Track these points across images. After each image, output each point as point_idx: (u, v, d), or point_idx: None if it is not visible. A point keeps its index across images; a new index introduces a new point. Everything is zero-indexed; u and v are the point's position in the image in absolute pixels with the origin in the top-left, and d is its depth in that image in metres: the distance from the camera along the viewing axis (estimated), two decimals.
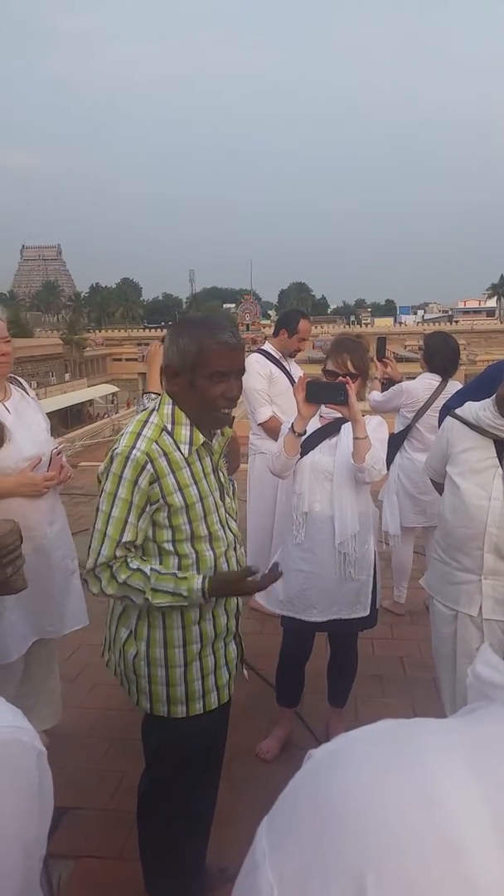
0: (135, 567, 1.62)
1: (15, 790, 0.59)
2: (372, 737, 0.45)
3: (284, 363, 3.99)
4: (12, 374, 2.62)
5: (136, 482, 1.60)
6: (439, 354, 3.90)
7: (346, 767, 0.43)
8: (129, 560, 1.63)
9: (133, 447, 1.62)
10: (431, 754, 0.42)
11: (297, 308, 5.50)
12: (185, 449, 1.67)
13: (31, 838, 0.61)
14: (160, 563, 1.68)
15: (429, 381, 3.91)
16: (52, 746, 2.63)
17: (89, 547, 1.68)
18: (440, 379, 3.89)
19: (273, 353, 3.99)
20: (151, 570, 1.63)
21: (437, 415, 3.77)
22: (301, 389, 2.39)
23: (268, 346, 4.05)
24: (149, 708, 1.78)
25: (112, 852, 2.22)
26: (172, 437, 1.67)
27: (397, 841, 0.37)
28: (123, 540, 1.61)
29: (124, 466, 1.61)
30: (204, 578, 1.64)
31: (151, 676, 1.74)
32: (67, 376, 48.83)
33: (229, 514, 1.82)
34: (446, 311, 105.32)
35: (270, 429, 3.81)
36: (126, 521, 1.61)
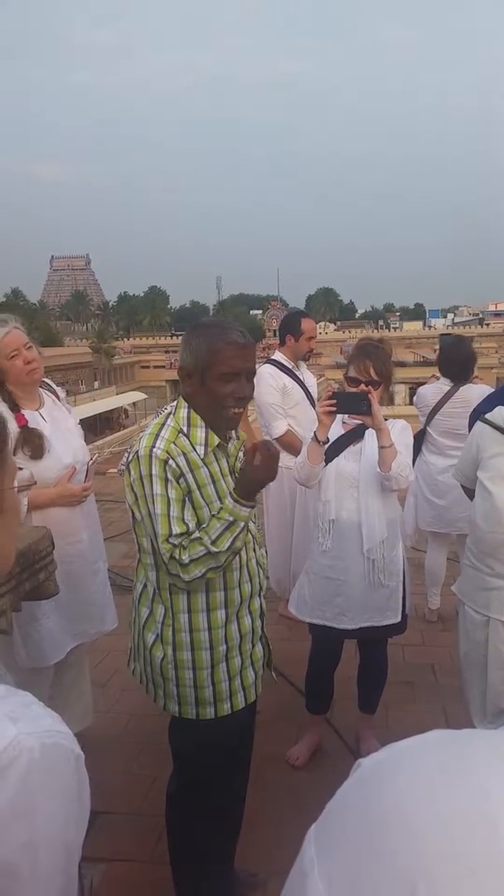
0: (187, 542, 1.64)
1: (56, 793, 0.60)
2: (423, 746, 0.45)
3: (297, 372, 3.88)
4: (42, 380, 2.65)
5: (165, 478, 1.64)
6: (451, 359, 3.89)
7: (397, 776, 0.43)
8: (183, 541, 1.64)
9: (153, 446, 1.66)
10: (484, 765, 0.41)
11: (295, 310, 5.42)
12: (200, 450, 1.71)
13: (72, 840, 0.62)
14: None
15: (440, 385, 3.92)
16: (83, 751, 2.66)
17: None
18: (451, 383, 3.87)
19: (285, 363, 3.85)
20: (199, 530, 1.66)
21: (449, 419, 3.80)
22: (325, 404, 2.37)
23: (278, 356, 3.90)
24: (177, 711, 1.79)
25: (143, 856, 2.23)
26: (189, 439, 1.70)
27: (450, 852, 0.37)
28: (174, 533, 1.63)
29: (150, 465, 1.64)
30: (229, 495, 1.67)
31: (179, 679, 1.75)
32: (97, 384, 49.36)
33: None
34: (476, 314, 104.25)
35: (287, 444, 3.71)
36: (169, 516, 1.64)
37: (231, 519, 1.63)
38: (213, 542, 1.62)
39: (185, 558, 1.62)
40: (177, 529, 1.63)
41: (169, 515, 1.64)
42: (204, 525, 1.67)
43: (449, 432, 3.83)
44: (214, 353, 1.66)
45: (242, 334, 1.71)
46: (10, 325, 2.46)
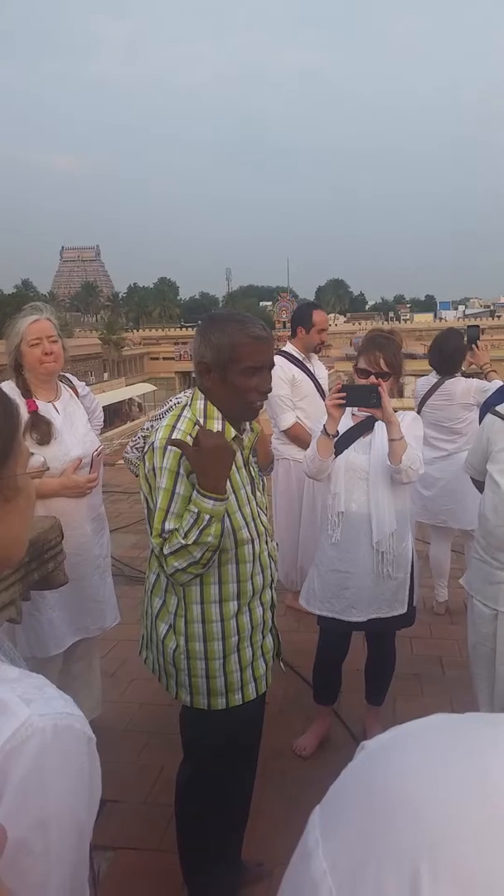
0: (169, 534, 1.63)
1: (68, 773, 0.61)
2: (426, 729, 0.45)
3: (308, 364, 3.88)
4: (62, 374, 2.66)
5: (176, 471, 1.63)
6: (436, 352, 3.93)
7: (401, 758, 0.43)
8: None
9: (169, 438, 1.65)
10: (487, 747, 0.42)
11: (307, 302, 5.36)
12: None
13: (83, 820, 0.63)
14: None
15: (430, 378, 3.97)
16: None
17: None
18: (439, 376, 3.91)
19: (295, 355, 3.85)
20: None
21: (434, 411, 3.88)
22: (335, 397, 2.36)
23: (289, 348, 3.90)
24: (189, 701, 1.80)
25: (150, 844, 2.25)
26: None
27: (453, 832, 0.37)
28: (165, 529, 1.62)
29: (164, 457, 1.64)
30: (193, 488, 1.60)
31: (191, 669, 1.76)
32: (106, 375, 49.44)
33: (260, 508, 1.85)
34: (488, 306, 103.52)
35: (295, 436, 3.75)
36: (167, 511, 1.63)
37: (195, 510, 1.59)
38: (185, 535, 1.60)
39: (166, 550, 1.62)
40: (169, 526, 1.62)
41: (167, 511, 1.63)
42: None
43: (434, 424, 3.88)
44: (237, 347, 1.64)
45: (263, 327, 1.70)
46: (44, 314, 2.50)
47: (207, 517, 1.58)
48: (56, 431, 2.45)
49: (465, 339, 4.03)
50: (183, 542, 1.59)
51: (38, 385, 2.51)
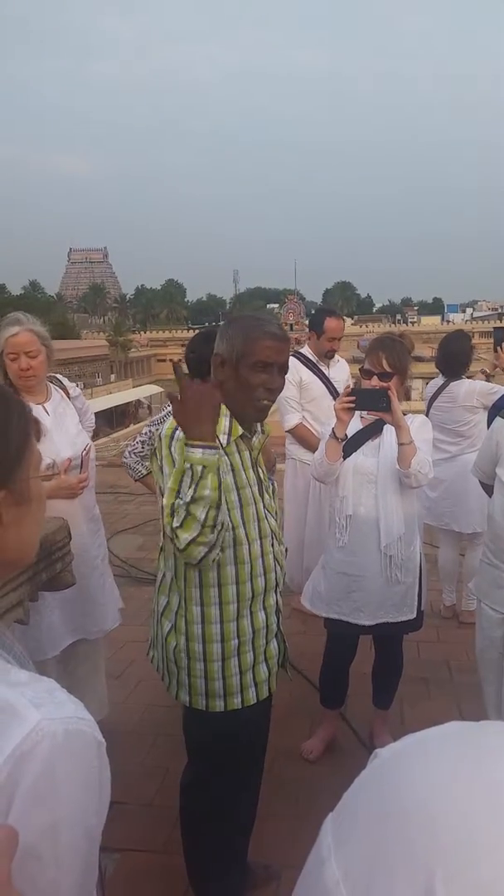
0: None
1: (78, 778, 0.61)
2: (440, 737, 0.45)
3: (321, 366, 3.91)
4: (53, 375, 2.67)
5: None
6: (441, 355, 3.96)
7: (414, 766, 0.43)
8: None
9: (176, 428, 1.65)
10: (501, 756, 0.41)
11: (324, 307, 5.37)
12: (223, 439, 1.70)
13: (92, 825, 0.63)
14: None
15: (437, 380, 4.00)
16: None
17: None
18: (444, 379, 3.94)
19: (309, 357, 3.91)
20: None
21: (439, 414, 3.89)
22: (344, 400, 2.36)
23: (304, 350, 3.98)
24: (188, 701, 1.80)
25: (156, 846, 2.25)
26: None
27: (468, 840, 0.37)
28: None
29: (170, 444, 1.65)
30: (170, 438, 1.64)
31: (190, 669, 1.76)
32: (113, 377, 49.63)
33: (268, 511, 1.83)
34: (496, 309, 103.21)
35: (299, 436, 3.80)
36: (178, 491, 1.60)
37: (188, 465, 1.55)
38: (179, 493, 1.55)
39: (175, 523, 1.57)
40: None
41: (178, 491, 1.60)
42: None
43: (439, 426, 3.87)
44: (250, 342, 1.68)
45: (279, 327, 1.73)
46: (23, 326, 2.44)
47: (200, 468, 1.54)
48: (46, 432, 2.46)
49: (493, 341, 3.99)
50: (179, 501, 1.55)
51: (25, 390, 2.51)
